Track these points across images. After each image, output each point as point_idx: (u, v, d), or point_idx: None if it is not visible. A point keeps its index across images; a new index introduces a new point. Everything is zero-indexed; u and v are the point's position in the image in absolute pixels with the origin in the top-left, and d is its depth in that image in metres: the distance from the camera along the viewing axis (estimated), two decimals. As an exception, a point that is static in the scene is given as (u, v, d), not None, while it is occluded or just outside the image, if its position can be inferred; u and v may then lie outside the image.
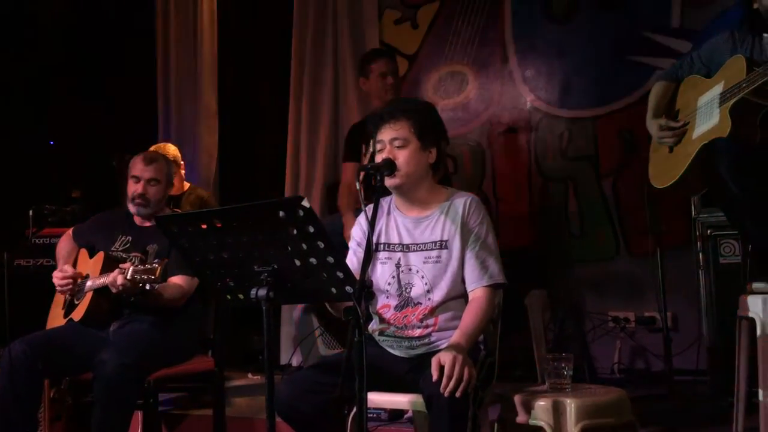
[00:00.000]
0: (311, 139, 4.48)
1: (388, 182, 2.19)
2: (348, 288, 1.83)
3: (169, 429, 3.17)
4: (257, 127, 4.95)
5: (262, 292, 1.81)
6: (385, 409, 2.92)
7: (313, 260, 1.80)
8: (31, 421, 2.69)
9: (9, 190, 4.42)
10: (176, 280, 2.77)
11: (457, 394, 1.89)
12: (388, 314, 2.23)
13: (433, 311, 2.18)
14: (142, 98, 5.00)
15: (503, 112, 4.32)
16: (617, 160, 3.99)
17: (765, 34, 2.46)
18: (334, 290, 1.86)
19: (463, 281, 2.20)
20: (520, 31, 4.27)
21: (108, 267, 2.71)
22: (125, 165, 2.99)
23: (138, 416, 2.87)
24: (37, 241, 3.84)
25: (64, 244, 3.04)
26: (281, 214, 1.76)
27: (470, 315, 2.13)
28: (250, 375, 4.05)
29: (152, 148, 3.68)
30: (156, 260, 2.54)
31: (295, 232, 1.77)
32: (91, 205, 3.91)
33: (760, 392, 2.19)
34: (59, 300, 2.96)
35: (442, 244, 2.20)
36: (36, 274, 3.71)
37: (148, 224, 2.92)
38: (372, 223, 2.05)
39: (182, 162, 4.01)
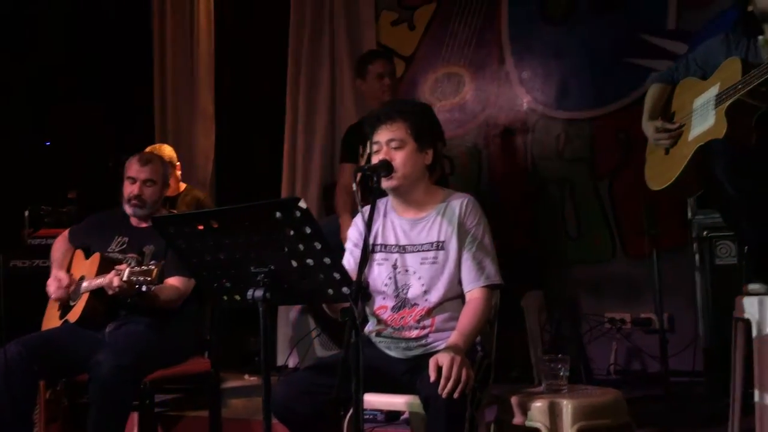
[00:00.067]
0: (308, 140, 4.48)
1: (385, 184, 2.19)
2: (345, 289, 1.83)
3: (165, 430, 3.16)
4: (254, 128, 4.94)
5: (259, 293, 1.81)
6: (381, 411, 2.92)
7: (309, 261, 1.80)
8: (26, 423, 2.68)
9: (5, 190, 4.41)
10: (173, 281, 2.77)
11: (455, 396, 1.89)
12: (385, 315, 2.23)
13: (429, 312, 2.18)
14: (138, 99, 4.99)
15: (500, 114, 4.32)
16: (614, 161, 3.99)
17: (760, 36, 2.46)
18: (330, 291, 1.85)
19: (459, 282, 2.20)
20: (517, 33, 4.28)
21: (104, 268, 2.70)
22: (122, 166, 2.99)
23: (134, 417, 2.86)
24: (33, 242, 3.83)
25: (60, 245, 3.04)
26: (278, 215, 1.76)
27: (467, 316, 2.13)
28: (246, 376, 4.04)
29: (148, 149, 3.67)
30: (152, 261, 2.53)
31: (291, 233, 1.77)
32: (88, 206, 3.90)
33: (756, 393, 2.20)
34: (55, 301, 2.95)
35: (439, 245, 2.20)
36: (32, 275, 3.69)
37: (144, 225, 2.91)
38: (369, 225, 2.05)
39: (178, 163, 4.00)
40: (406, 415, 2.75)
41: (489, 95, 4.36)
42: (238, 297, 1.94)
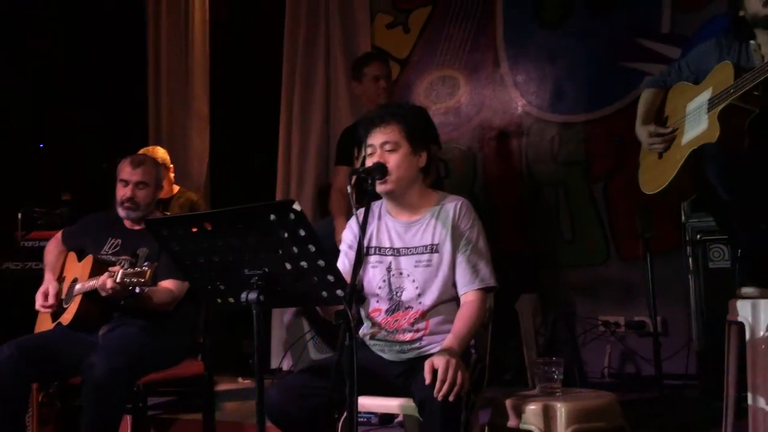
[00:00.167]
0: (303, 142, 4.48)
1: (379, 188, 2.19)
2: (339, 292, 1.82)
3: (158, 433, 3.15)
4: (248, 130, 4.94)
5: (253, 295, 1.80)
6: (375, 414, 2.92)
7: (304, 264, 1.80)
8: (19, 426, 2.67)
9: (-2, 192, 4.40)
10: (166, 283, 2.76)
11: (451, 398, 1.88)
12: (379, 318, 2.23)
13: (424, 315, 2.18)
14: (133, 100, 4.98)
15: (495, 117, 4.33)
16: (608, 165, 4.00)
17: (752, 41, 2.48)
18: (324, 294, 1.85)
19: (454, 285, 2.20)
20: (512, 36, 4.29)
21: (97, 270, 2.69)
22: (115, 168, 2.98)
23: (127, 420, 2.85)
24: (25, 244, 3.82)
25: (53, 248, 3.02)
26: (272, 217, 1.75)
27: (462, 319, 2.13)
28: (240, 379, 4.03)
29: (141, 151, 3.67)
30: (146, 263, 2.52)
31: (286, 235, 1.77)
32: (81, 208, 3.88)
33: (749, 396, 2.20)
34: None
35: (433, 248, 2.20)
36: (25, 277, 3.68)
37: (137, 227, 2.90)
38: (363, 227, 2.05)
39: (171, 165, 3.99)
40: (400, 418, 2.74)
41: (484, 98, 4.36)
42: (231, 299, 1.93)
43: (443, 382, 1.89)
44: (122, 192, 2.88)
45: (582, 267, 4.05)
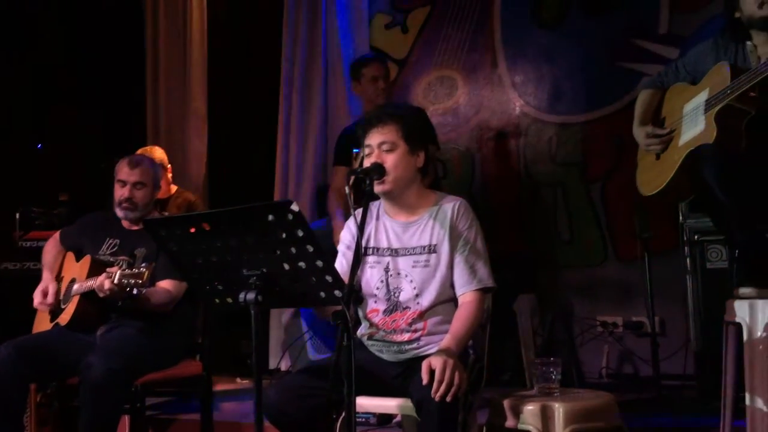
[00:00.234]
0: (301, 142, 4.48)
1: (377, 188, 2.19)
2: (337, 292, 1.83)
3: (156, 434, 3.15)
4: (247, 130, 4.94)
5: (251, 295, 1.81)
6: (373, 414, 2.92)
7: (302, 264, 1.80)
8: (17, 426, 2.66)
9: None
10: (164, 284, 2.76)
11: (448, 399, 1.89)
12: (377, 318, 2.23)
13: (421, 315, 2.18)
14: (131, 100, 4.97)
15: (493, 117, 4.33)
16: (606, 165, 4.01)
17: (748, 42, 2.48)
18: (323, 294, 1.85)
19: (451, 285, 2.20)
20: (510, 37, 4.29)
21: (95, 271, 2.69)
22: (113, 168, 2.98)
23: (125, 421, 2.85)
24: (23, 244, 3.81)
25: (51, 248, 3.02)
26: (270, 217, 1.76)
27: (460, 319, 2.13)
28: (238, 379, 4.03)
29: (139, 152, 3.66)
30: (143, 264, 2.52)
31: (284, 235, 1.77)
32: (79, 208, 3.88)
33: (747, 397, 2.20)
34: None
35: (431, 249, 2.21)
36: (23, 277, 3.68)
37: (135, 227, 2.90)
38: (361, 228, 2.05)
39: (169, 165, 3.99)
40: (398, 419, 2.75)
41: (482, 99, 4.37)
42: (230, 300, 1.93)
43: (440, 382, 1.89)
44: (120, 192, 2.88)
45: (580, 267, 4.06)
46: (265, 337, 4.25)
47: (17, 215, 3.87)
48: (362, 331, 2.28)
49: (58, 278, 2.93)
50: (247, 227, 1.79)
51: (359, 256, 2.03)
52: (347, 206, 2.32)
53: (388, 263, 2.24)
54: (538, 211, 4.19)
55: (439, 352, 2.01)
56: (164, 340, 2.77)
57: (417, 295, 2.19)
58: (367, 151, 2.24)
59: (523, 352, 3.64)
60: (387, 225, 2.28)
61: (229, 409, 3.37)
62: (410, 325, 2.18)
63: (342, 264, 2.27)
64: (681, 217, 3.21)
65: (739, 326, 2.24)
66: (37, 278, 2.91)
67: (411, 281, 2.20)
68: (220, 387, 3.73)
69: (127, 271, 2.47)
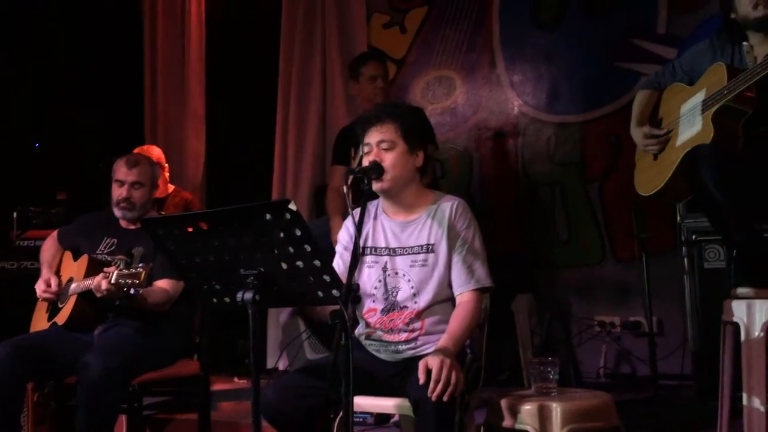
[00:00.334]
0: (299, 141, 4.48)
1: (376, 186, 2.19)
2: (335, 292, 1.82)
3: (153, 433, 3.15)
4: (245, 130, 4.94)
5: (249, 295, 1.80)
6: (371, 413, 2.92)
7: (299, 263, 1.80)
8: (13, 425, 2.66)
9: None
10: (161, 283, 2.75)
11: (445, 398, 1.88)
12: (374, 318, 2.23)
13: (419, 315, 2.18)
14: (129, 100, 4.97)
15: (491, 117, 4.33)
16: (604, 165, 4.01)
17: (744, 43, 2.49)
18: (320, 293, 1.85)
19: (449, 285, 2.20)
20: (508, 37, 4.29)
21: (92, 270, 2.69)
22: (111, 167, 2.97)
23: (122, 420, 2.85)
24: (21, 243, 3.81)
25: (49, 246, 3.02)
26: (268, 217, 1.75)
27: (457, 319, 2.13)
28: (236, 379, 4.03)
29: (136, 151, 3.66)
30: (141, 264, 2.52)
31: (281, 235, 1.77)
32: (77, 207, 3.88)
33: (744, 397, 2.20)
34: (43, 303, 2.94)
35: (429, 248, 2.20)
36: (20, 276, 3.67)
37: (133, 227, 2.90)
38: (359, 227, 2.05)
39: (166, 164, 3.98)
40: (395, 418, 2.75)
41: (480, 99, 4.37)
42: (227, 299, 1.93)
43: (437, 382, 1.89)
44: (118, 192, 2.87)
45: (578, 267, 4.06)
46: (263, 336, 4.25)
47: (15, 214, 3.87)
48: (360, 330, 2.27)
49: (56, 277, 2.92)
50: (244, 226, 1.79)
51: (357, 255, 2.03)
52: (345, 206, 2.31)
53: (385, 263, 2.24)
54: (536, 211, 4.19)
55: (436, 351, 2.01)
56: (161, 339, 2.77)
57: (414, 295, 2.19)
58: (365, 149, 2.24)
59: (520, 351, 3.64)
60: (385, 224, 2.28)
61: (227, 408, 3.37)
62: (408, 324, 2.18)
63: (339, 265, 2.27)
64: (679, 217, 3.21)
65: (736, 326, 2.25)
66: (34, 277, 2.91)
67: (409, 281, 2.20)
68: (217, 386, 3.72)
69: (125, 271, 2.47)
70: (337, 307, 1.81)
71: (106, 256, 2.82)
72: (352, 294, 1.83)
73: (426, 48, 4.49)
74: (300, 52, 4.52)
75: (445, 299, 2.20)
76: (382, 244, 2.26)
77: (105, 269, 2.55)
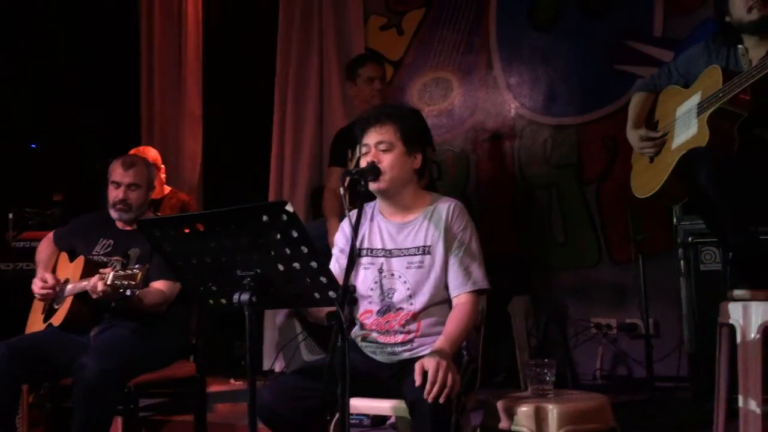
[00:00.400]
0: (295, 143, 4.48)
1: (373, 186, 2.19)
2: (331, 293, 1.82)
3: (149, 435, 3.14)
4: (241, 131, 4.93)
5: (245, 296, 1.80)
6: (367, 415, 2.92)
7: (296, 265, 1.80)
8: (8, 427, 2.65)
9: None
10: (158, 285, 2.75)
11: (441, 400, 1.88)
12: (370, 320, 2.23)
13: (415, 317, 2.18)
14: (125, 100, 4.96)
15: (488, 119, 4.34)
16: (600, 167, 4.02)
17: (739, 46, 2.50)
18: (317, 295, 1.85)
19: (446, 287, 2.20)
20: (505, 39, 4.30)
21: (88, 271, 2.68)
22: (108, 168, 2.97)
23: (118, 422, 2.84)
24: (17, 244, 3.80)
25: (45, 248, 3.01)
26: (265, 218, 1.75)
27: (454, 321, 2.13)
28: (232, 380, 4.02)
29: (132, 152, 3.65)
30: (137, 265, 2.52)
31: (278, 236, 1.76)
32: (73, 208, 3.87)
33: (740, 398, 2.21)
34: (39, 304, 2.93)
35: (425, 250, 2.21)
36: (16, 278, 3.66)
37: (129, 228, 2.89)
38: (356, 228, 2.05)
39: (162, 165, 3.98)
40: (392, 420, 2.74)
41: (477, 100, 4.37)
42: (224, 301, 1.93)
43: (433, 383, 1.89)
44: (114, 194, 2.87)
45: (574, 269, 4.06)
46: (259, 338, 4.24)
47: (11, 215, 3.86)
48: (356, 332, 2.27)
49: (52, 278, 2.92)
50: (241, 228, 1.79)
51: (353, 257, 2.03)
52: (342, 207, 2.32)
53: (382, 264, 2.24)
54: (532, 213, 4.19)
55: (433, 353, 2.01)
56: (158, 340, 2.76)
57: (410, 296, 2.19)
58: (363, 150, 2.24)
59: (517, 353, 3.65)
60: (381, 226, 2.28)
61: (223, 410, 3.36)
62: (403, 326, 2.18)
63: (335, 267, 2.27)
64: (675, 220, 3.22)
65: (732, 328, 2.25)
66: (30, 279, 2.89)
67: (404, 282, 2.20)
68: (213, 388, 3.72)
69: (121, 273, 2.47)
70: (333, 308, 1.80)
71: (102, 258, 2.82)
72: (348, 296, 1.83)
73: (423, 49, 4.49)
74: (297, 53, 4.52)
75: (441, 301, 2.20)
76: (379, 246, 2.26)
77: (101, 270, 2.54)
